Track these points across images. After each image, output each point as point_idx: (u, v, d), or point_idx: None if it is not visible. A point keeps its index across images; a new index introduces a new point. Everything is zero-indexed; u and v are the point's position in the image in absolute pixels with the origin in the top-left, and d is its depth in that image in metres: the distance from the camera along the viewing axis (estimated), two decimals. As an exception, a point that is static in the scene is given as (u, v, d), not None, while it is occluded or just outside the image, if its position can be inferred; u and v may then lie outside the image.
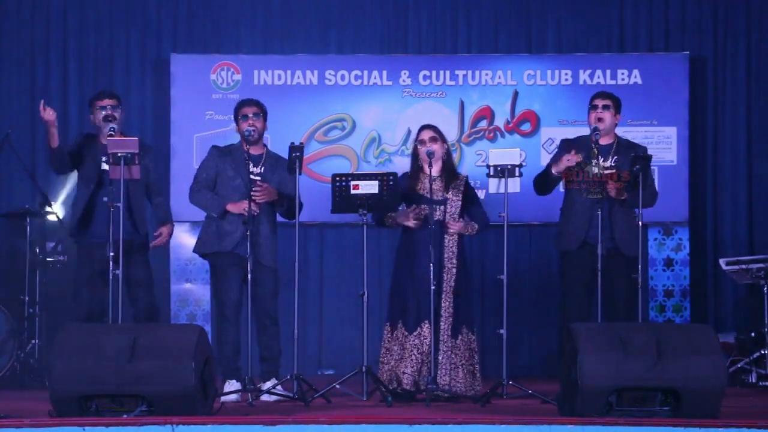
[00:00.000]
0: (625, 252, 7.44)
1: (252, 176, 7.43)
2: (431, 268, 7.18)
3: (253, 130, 7.50)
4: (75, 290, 7.61)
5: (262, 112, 7.60)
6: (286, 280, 7.55)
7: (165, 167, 9.31)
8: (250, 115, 7.55)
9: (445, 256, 7.45)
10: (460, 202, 7.53)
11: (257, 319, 7.47)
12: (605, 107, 7.59)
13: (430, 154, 7.41)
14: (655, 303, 9.72)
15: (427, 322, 7.31)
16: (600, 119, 7.55)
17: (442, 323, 7.36)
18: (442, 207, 7.49)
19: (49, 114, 7.31)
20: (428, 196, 7.37)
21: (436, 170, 7.49)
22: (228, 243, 7.48)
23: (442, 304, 7.38)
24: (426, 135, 7.57)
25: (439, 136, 7.58)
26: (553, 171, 7.50)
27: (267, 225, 7.53)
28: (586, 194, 7.45)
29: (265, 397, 7.22)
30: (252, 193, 7.32)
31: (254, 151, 7.54)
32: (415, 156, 7.66)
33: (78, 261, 7.64)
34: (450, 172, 7.62)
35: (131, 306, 7.42)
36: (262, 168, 7.54)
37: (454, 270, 7.45)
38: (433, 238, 7.26)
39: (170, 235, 7.82)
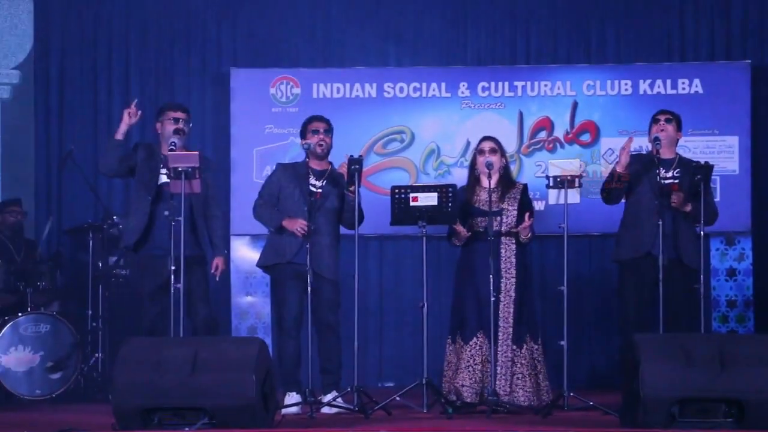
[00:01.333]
0: (687, 262, 7.39)
1: (313, 189, 7.48)
2: (491, 280, 7.17)
3: (324, 145, 7.56)
4: (140, 303, 7.59)
5: (331, 129, 7.69)
6: (346, 292, 7.56)
7: (225, 181, 9.36)
8: (321, 131, 7.61)
9: (503, 266, 7.44)
10: (516, 212, 7.51)
11: (318, 331, 7.48)
12: (668, 120, 7.59)
13: (489, 165, 7.41)
14: (718, 313, 9.59)
15: (482, 332, 7.31)
16: (662, 130, 7.53)
17: (501, 333, 7.35)
18: (498, 218, 7.47)
19: (134, 113, 7.46)
20: (484, 208, 7.36)
21: (493, 182, 7.48)
22: (285, 254, 7.51)
23: (501, 314, 7.37)
24: (486, 146, 7.60)
25: (499, 149, 7.61)
26: (618, 169, 7.45)
27: (328, 237, 7.54)
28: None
29: (325, 410, 7.24)
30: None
31: (319, 166, 7.61)
32: (472, 166, 7.69)
33: (140, 274, 7.63)
34: (506, 185, 7.61)
35: (189, 319, 7.38)
36: (324, 182, 7.58)
37: (513, 279, 7.44)
38: (492, 250, 7.25)
39: (224, 267, 7.66)
